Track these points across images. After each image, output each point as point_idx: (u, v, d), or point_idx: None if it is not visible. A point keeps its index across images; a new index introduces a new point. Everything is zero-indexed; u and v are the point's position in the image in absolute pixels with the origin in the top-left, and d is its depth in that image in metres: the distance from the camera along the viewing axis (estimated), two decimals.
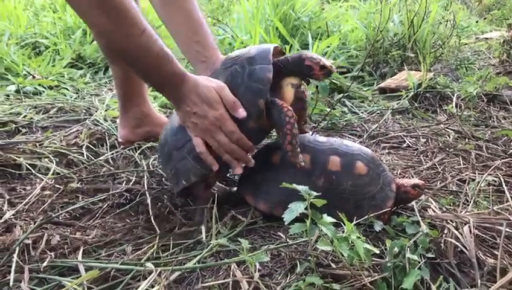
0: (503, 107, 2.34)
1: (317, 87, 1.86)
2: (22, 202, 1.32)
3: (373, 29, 3.14)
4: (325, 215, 0.91)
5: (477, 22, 5.59)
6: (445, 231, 1.07)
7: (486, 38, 4.52)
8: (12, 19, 3.93)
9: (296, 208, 0.86)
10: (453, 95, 2.23)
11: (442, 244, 1.04)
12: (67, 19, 3.85)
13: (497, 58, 3.49)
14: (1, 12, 4.03)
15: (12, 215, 1.20)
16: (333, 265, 0.96)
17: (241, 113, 1.19)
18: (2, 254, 0.99)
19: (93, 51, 3.28)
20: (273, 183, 1.23)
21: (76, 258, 0.99)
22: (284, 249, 0.99)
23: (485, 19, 6.47)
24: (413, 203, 1.32)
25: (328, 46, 2.77)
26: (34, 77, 2.72)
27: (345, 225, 0.92)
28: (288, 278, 0.92)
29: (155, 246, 1.04)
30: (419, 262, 0.94)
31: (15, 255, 0.95)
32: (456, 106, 2.10)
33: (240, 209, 1.25)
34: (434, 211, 1.20)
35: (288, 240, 1.03)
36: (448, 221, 1.06)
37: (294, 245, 1.00)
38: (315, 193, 0.92)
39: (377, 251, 0.91)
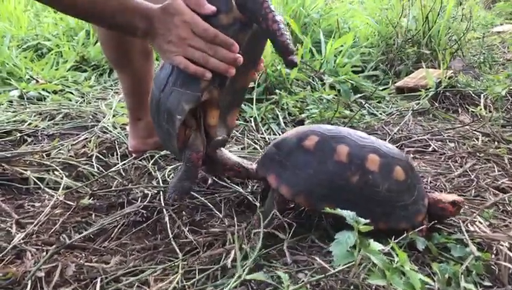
0: None
1: (339, 90, 1.76)
2: (31, 222, 1.23)
3: (386, 25, 3.03)
4: (372, 242, 0.81)
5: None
6: (497, 253, 0.97)
7: (499, 32, 4.40)
8: (13, 20, 3.83)
9: (345, 240, 0.77)
10: (480, 96, 2.13)
11: (495, 268, 0.94)
12: (69, 19, 3.75)
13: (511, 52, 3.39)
14: (1, 13, 3.93)
15: (22, 239, 1.11)
16: None
17: (208, 8, 1.10)
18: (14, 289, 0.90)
19: (97, 52, 3.18)
20: (302, 169, 1.15)
21: None
22: (324, 279, 0.90)
23: (490, 9, 6.34)
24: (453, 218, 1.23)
25: (342, 46, 2.67)
26: (37, 81, 2.62)
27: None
28: None
29: (179, 275, 0.95)
30: None
31: None
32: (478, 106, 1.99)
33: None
34: (479, 227, 1.10)
35: (330, 268, 0.94)
36: (501, 242, 0.97)
37: (336, 274, 0.90)
38: (363, 221, 0.82)
39: (432, 282, 0.82)
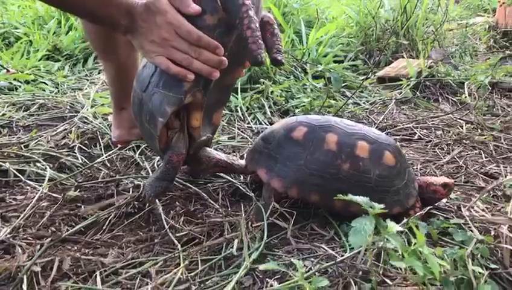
0: (505, 95, 2.30)
1: (329, 78, 1.75)
2: (16, 215, 1.17)
3: (364, 16, 3.05)
4: (390, 223, 0.80)
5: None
6: (496, 236, 0.98)
7: (469, 24, 4.51)
8: None
9: (364, 228, 0.75)
10: (460, 85, 2.17)
11: (496, 252, 0.95)
12: (38, 7, 3.59)
13: (484, 44, 3.47)
14: None
15: (9, 233, 1.04)
16: (388, 281, 0.86)
17: (193, 8, 1.06)
18: (7, 285, 0.84)
19: (70, 42, 3.06)
20: (292, 161, 1.14)
21: (95, 285, 0.85)
22: (333, 266, 0.89)
23: (458, 3, 6.49)
24: (442, 202, 1.25)
25: (322, 36, 2.66)
26: (8, 70, 2.50)
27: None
28: None
29: (183, 266, 0.92)
30: (483, 275, 0.85)
31: (24, 286, 0.81)
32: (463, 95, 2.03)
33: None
34: (477, 212, 1.11)
35: (336, 254, 0.92)
36: (501, 225, 0.98)
37: (345, 260, 0.89)
38: (378, 205, 0.81)
39: (447, 265, 0.82)
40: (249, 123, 1.93)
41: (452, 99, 2.28)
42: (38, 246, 0.97)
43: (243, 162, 1.34)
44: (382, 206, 0.83)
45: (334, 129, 1.16)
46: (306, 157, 1.14)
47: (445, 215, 1.20)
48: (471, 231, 1.08)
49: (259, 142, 1.25)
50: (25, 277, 0.85)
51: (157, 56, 1.10)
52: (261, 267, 0.83)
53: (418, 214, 1.11)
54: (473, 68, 2.24)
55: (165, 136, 1.21)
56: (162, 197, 1.24)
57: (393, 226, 0.78)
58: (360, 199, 0.83)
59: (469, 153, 1.62)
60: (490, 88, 2.16)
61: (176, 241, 1.06)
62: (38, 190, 1.31)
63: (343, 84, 2.37)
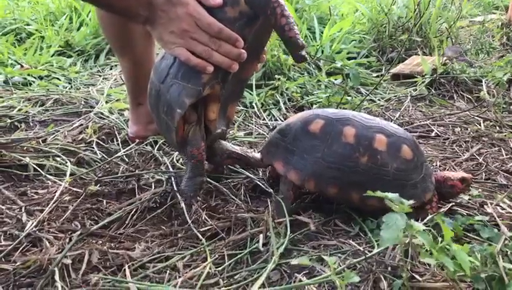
0: None
1: (347, 75, 1.74)
2: (39, 209, 1.17)
3: (377, 13, 3.03)
4: (415, 223, 0.80)
5: None
6: None
7: (480, 22, 4.47)
8: None
9: (396, 225, 0.74)
10: (476, 82, 2.15)
11: None
12: (49, 3, 3.60)
13: (497, 41, 3.44)
14: None
15: (35, 226, 1.05)
16: (418, 277, 0.86)
17: (214, 0, 1.06)
18: (39, 277, 0.84)
19: (81, 37, 3.06)
20: (309, 153, 1.14)
21: (124, 278, 0.85)
22: (361, 262, 0.88)
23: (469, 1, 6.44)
24: (464, 199, 1.24)
25: (339, 31, 2.65)
26: (22, 66, 2.51)
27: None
28: None
29: (210, 261, 0.92)
30: None
31: (57, 278, 0.81)
32: (481, 92, 2.01)
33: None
34: (503, 209, 1.10)
35: (363, 250, 0.92)
36: None
37: (373, 256, 0.88)
38: (407, 202, 0.80)
39: (477, 263, 0.81)
40: (264, 119, 1.92)
41: (467, 97, 2.26)
42: (66, 240, 0.97)
43: (257, 155, 1.34)
44: (412, 202, 0.83)
45: (352, 122, 1.15)
46: (323, 150, 1.13)
47: (467, 212, 1.19)
48: (498, 228, 1.07)
49: (276, 135, 1.24)
50: (56, 269, 0.85)
51: (176, 47, 1.10)
52: (293, 261, 0.83)
53: (441, 210, 1.10)
54: (489, 65, 2.22)
55: (181, 129, 1.21)
56: (198, 195, 1.23)
57: (417, 225, 0.77)
58: (389, 195, 0.82)
59: (488, 150, 1.61)
60: (507, 85, 2.14)
61: (200, 236, 1.06)
62: (59, 184, 1.31)
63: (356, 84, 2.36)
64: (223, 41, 1.08)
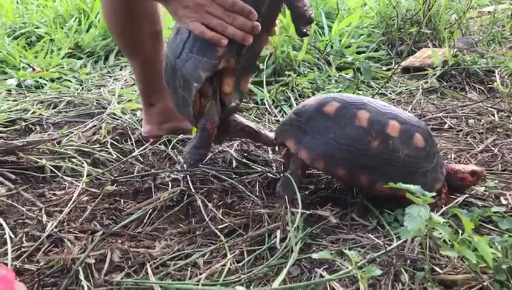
0: None
1: (358, 69, 1.74)
2: (58, 210, 1.18)
3: (386, 6, 3.01)
4: (434, 215, 0.79)
5: None
6: None
7: (489, 12, 4.43)
8: None
9: (418, 214, 0.74)
10: (487, 73, 2.14)
11: None
12: (57, 6, 3.63)
13: (508, 30, 3.40)
14: None
15: (55, 227, 1.06)
16: (438, 269, 0.86)
17: None
18: (62, 277, 0.86)
19: (90, 39, 3.09)
20: (321, 134, 1.15)
21: (146, 277, 0.86)
22: (381, 255, 0.88)
23: None
24: (479, 191, 1.24)
25: (348, 26, 2.64)
26: (34, 69, 2.53)
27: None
28: (397, 289, 0.81)
29: (230, 257, 0.92)
30: None
31: (81, 277, 0.82)
32: (495, 82, 2.00)
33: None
34: None
35: (382, 244, 0.92)
36: None
37: (395, 249, 0.89)
38: (429, 194, 0.80)
39: (499, 254, 0.81)
40: (275, 116, 1.93)
41: (479, 88, 2.24)
42: (89, 239, 0.98)
43: (271, 134, 1.35)
44: (434, 194, 0.83)
45: (367, 107, 1.16)
46: (336, 131, 1.14)
47: (483, 204, 1.19)
48: None
49: (291, 116, 1.25)
50: (80, 269, 0.86)
51: (191, 21, 1.11)
52: (314, 255, 0.83)
53: (455, 201, 1.10)
54: (500, 56, 2.20)
55: (198, 103, 1.23)
56: (197, 165, 1.27)
57: (437, 217, 0.77)
58: (410, 187, 0.82)
59: (503, 141, 1.60)
60: None
61: (218, 233, 1.07)
62: (76, 185, 1.32)
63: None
64: (237, 14, 1.09)
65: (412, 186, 0.81)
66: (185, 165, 1.27)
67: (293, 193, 1.13)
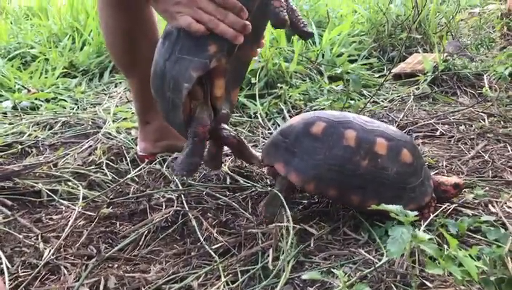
0: None
1: (347, 80, 1.76)
2: (55, 236, 1.20)
3: (375, 13, 3.04)
4: (419, 233, 0.81)
5: None
6: None
7: (479, 13, 4.46)
8: None
9: (400, 236, 0.76)
10: (478, 77, 2.16)
11: None
12: (51, 25, 3.66)
13: (498, 31, 3.43)
14: None
15: (52, 254, 1.07)
16: (428, 283, 0.87)
17: None
18: None
19: (85, 57, 3.11)
20: (310, 155, 1.16)
21: None
22: (372, 272, 0.90)
23: None
24: (469, 199, 1.25)
25: (339, 34, 2.66)
26: (29, 90, 2.55)
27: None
28: None
29: (224, 280, 0.94)
30: None
31: None
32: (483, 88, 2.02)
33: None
34: (510, 207, 1.11)
35: (373, 259, 0.94)
36: None
37: (383, 265, 0.90)
38: (412, 213, 0.82)
39: (485, 268, 0.82)
40: (269, 129, 1.94)
41: (470, 92, 2.27)
42: (83, 266, 1.00)
43: (257, 154, 1.34)
44: (416, 213, 0.84)
45: (353, 125, 1.17)
46: (325, 152, 1.15)
47: (472, 213, 1.20)
48: (504, 228, 1.08)
49: (277, 137, 1.25)
50: None
51: (181, 16, 1.11)
52: (304, 276, 0.85)
53: (439, 211, 1.11)
54: (490, 59, 2.22)
55: (188, 106, 1.21)
56: (192, 175, 1.28)
57: (422, 234, 0.78)
58: (392, 208, 0.84)
59: (494, 146, 1.62)
60: (510, 79, 2.15)
61: (213, 254, 1.08)
62: (73, 209, 1.34)
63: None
64: (228, 11, 1.10)
65: (395, 207, 0.82)
66: (177, 178, 1.23)
67: (274, 212, 1.16)
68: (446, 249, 0.83)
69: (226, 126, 1.32)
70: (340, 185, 1.13)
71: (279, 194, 1.17)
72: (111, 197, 1.42)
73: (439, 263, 0.81)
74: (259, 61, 2.16)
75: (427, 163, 1.36)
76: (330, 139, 1.15)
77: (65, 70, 3.03)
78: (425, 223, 1.07)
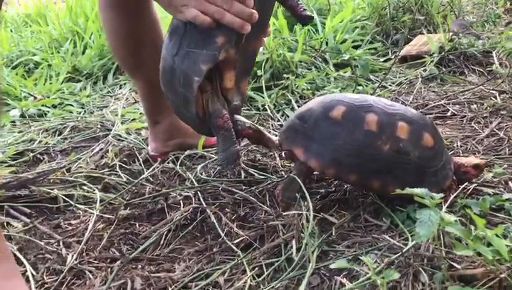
0: None
1: (356, 66, 1.75)
2: (76, 241, 1.20)
3: None
4: (445, 215, 0.80)
5: None
6: None
7: None
8: None
9: (431, 221, 0.75)
10: (485, 54, 2.14)
11: None
12: (51, 30, 3.65)
13: (501, 7, 3.39)
14: None
15: (75, 259, 1.08)
16: (456, 265, 0.87)
17: None
18: None
19: (87, 60, 3.10)
20: (330, 140, 1.14)
21: None
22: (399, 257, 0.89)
23: None
24: (488, 177, 1.24)
25: (341, 21, 2.64)
26: (35, 98, 2.56)
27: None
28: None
29: (250, 275, 0.93)
30: None
31: None
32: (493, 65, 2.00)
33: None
34: None
35: (398, 244, 0.93)
36: None
37: (411, 250, 0.89)
38: (437, 195, 0.81)
39: None
40: (278, 120, 1.93)
41: (479, 70, 2.24)
42: (108, 269, 1.00)
43: (274, 138, 1.32)
44: (441, 195, 0.83)
45: (374, 109, 1.14)
46: (345, 137, 1.13)
47: (493, 191, 1.19)
48: None
49: (295, 121, 1.23)
50: None
51: (187, 9, 1.10)
52: (332, 265, 0.84)
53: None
54: (497, 36, 2.20)
55: (200, 100, 1.21)
56: (237, 165, 1.29)
57: (448, 216, 0.77)
58: (418, 191, 0.83)
59: (508, 123, 1.60)
60: None
61: (235, 248, 1.08)
62: (90, 213, 1.34)
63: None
64: (234, 0, 1.08)
65: (420, 190, 0.81)
66: (229, 172, 1.23)
67: (291, 197, 1.15)
68: (473, 229, 0.82)
69: (239, 117, 1.31)
70: (360, 170, 1.12)
71: (297, 178, 1.16)
72: (127, 198, 1.42)
73: (466, 244, 0.80)
74: (264, 53, 2.15)
75: None
76: (350, 123, 1.13)
77: (69, 75, 3.02)
78: (446, 205, 1.06)
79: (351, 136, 1.13)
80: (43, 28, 3.74)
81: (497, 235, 0.82)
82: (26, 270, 1.05)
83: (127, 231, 1.23)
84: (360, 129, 1.13)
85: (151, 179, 1.54)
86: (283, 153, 1.36)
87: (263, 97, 2.06)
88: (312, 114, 1.20)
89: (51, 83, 2.82)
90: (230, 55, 1.16)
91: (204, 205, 1.28)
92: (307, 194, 1.10)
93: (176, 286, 0.94)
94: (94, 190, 1.45)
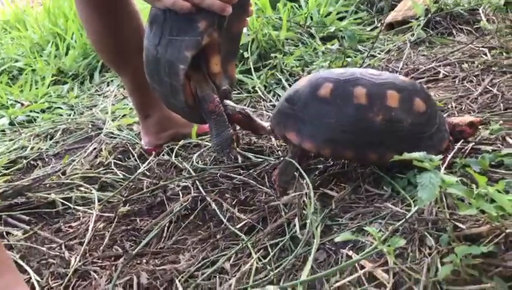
0: None
1: (343, 38, 1.72)
2: (77, 242, 1.19)
3: None
4: (446, 176, 0.79)
5: None
6: None
7: None
8: None
9: (432, 183, 0.73)
10: (471, 12, 2.11)
11: None
12: (31, 34, 3.59)
13: None
14: None
15: (79, 261, 1.06)
16: (461, 225, 0.86)
17: None
18: None
19: (72, 61, 3.06)
20: (321, 120, 1.12)
21: None
22: (404, 223, 0.88)
23: None
24: (485, 135, 1.23)
25: None
26: (22, 104, 2.52)
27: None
28: (425, 254, 0.81)
29: (256, 257, 0.92)
30: None
31: None
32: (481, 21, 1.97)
33: None
34: None
35: (401, 210, 0.92)
36: None
37: (415, 215, 0.88)
38: (436, 157, 0.79)
39: None
40: (270, 101, 1.91)
41: (466, 29, 2.22)
42: (112, 268, 0.99)
43: (265, 124, 1.30)
44: (440, 157, 0.82)
45: (361, 82, 1.12)
46: (336, 114, 1.11)
47: (492, 149, 1.18)
48: None
49: (284, 104, 1.20)
50: None
51: None
52: (337, 239, 0.83)
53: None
54: None
55: (188, 88, 1.20)
56: (233, 148, 1.25)
57: (448, 178, 0.76)
58: (416, 155, 0.81)
59: (500, 79, 1.58)
60: (506, 8, 2.09)
61: (238, 233, 1.07)
62: (90, 213, 1.33)
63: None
64: None
65: (418, 154, 0.80)
66: (225, 158, 1.23)
67: (288, 181, 1.14)
68: (475, 188, 0.81)
69: (229, 102, 1.28)
70: (356, 145, 1.10)
71: (293, 161, 1.15)
72: (126, 195, 1.41)
73: (469, 203, 0.79)
74: (249, 34, 2.11)
75: None
76: (340, 99, 1.10)
77: (54, 78, 2.99)
78: (445, 166, 1.05)
79: (342, 113, 1.11)
80: (23, 33, 3.68)
81: (499, 191, 0.81)
82: (30, 278, 1.04)
83: (128, 227, 1.22)
84: (350, 104, 1.10)
85: (147, 173, 1.52)
86: (274, 138, 1.35)
87: (252, 79, 2.04)
88: (300, 95, 1.17)
89: (37, 88, 2.79)
90: (213, 39, 1.14)
91: (204, 193, 1.26)
92: (304, 175, 1.08)
93: (182, 277, 0.93)
94: (91, 190, 1.44)
